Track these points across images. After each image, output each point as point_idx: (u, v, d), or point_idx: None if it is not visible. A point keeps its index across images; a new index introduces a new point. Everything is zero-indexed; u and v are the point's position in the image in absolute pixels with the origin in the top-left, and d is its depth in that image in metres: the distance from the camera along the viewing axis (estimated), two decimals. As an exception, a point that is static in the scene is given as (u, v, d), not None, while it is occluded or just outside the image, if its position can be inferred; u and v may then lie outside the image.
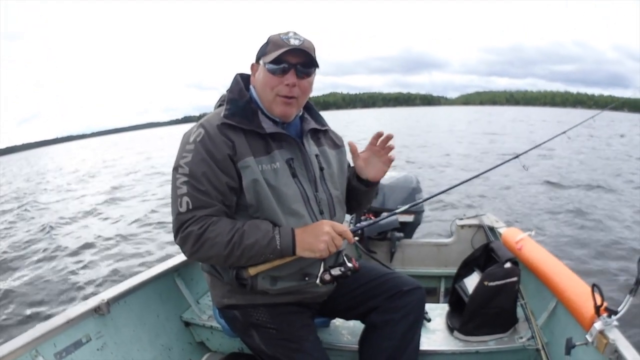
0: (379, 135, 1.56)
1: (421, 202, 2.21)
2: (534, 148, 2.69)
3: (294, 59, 1.44)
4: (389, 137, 1.55)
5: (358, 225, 1.49)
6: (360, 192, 1.70)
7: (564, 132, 3.12)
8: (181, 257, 2.31)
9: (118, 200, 11.11)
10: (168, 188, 1.43)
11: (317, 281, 1.50)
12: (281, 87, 1.46)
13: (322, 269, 1.51)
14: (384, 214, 2.18)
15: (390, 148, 1.57)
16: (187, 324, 2.29)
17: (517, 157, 2.47)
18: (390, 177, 3.15)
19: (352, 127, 36.93)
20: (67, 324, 1.69)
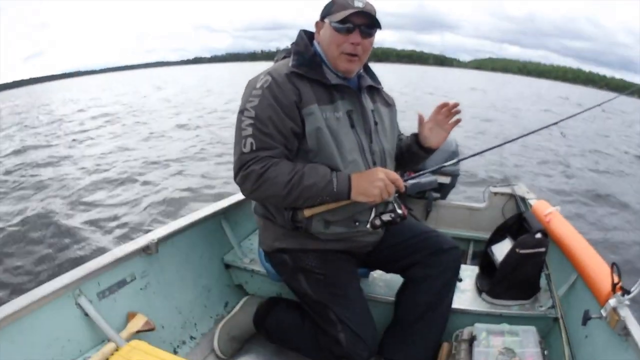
0: (444, 105, 1.68)
1: (461, 159, 2.27)
2: (572, 116, 2.69)
3: (359, 20, 1.52)
4: (455, 105, 1.67)
5: (406, 178, 1.60)
6: (419, 156, 1.82)
7: (599, 105, 3.10)
8: (229, 201, 2.38)
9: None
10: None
11: (368, 226, 1.57)
12: (346, 45, 1.54)
13: (373, 215, 1.58)
14: (426, 170, 2.28)
15: (457, 112, 1.69)
16: (227, 266, 2.37)
17: (556, 123, 2.49)
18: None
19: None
20: (114, 263, 1.73)
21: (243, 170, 1.47)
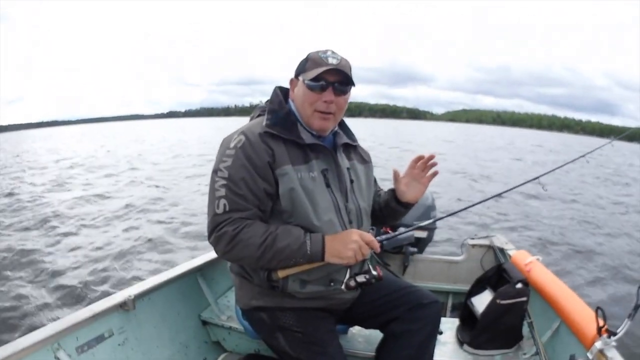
0: (419, 158, 1.67)
1: (442, 218, 2.29)
2: (554, 170, 2.73)
3: (332, 77, 1.53)
4: (431, 158, 1.66)
5: (378, 237, 1.58)
6: (398, 212, 1.80)
7: (583, 156, 3.14)
8: (204, 258, 2.37)
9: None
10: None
11: (342, 287, 1.55)
12: (319, 104, 1.54)
13: (347, 276, 1.56)
14: (401, 229, 2.27)
15: (433, 165, 1.68)
16: (204, 323, 2.33)
17: (537, 178, 2.51)
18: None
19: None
20: (92, 318, 1.72)
21: (216, 231, 1.46)
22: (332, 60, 1.53)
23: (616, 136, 3.54)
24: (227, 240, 1.44)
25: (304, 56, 1.61)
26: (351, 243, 1.46)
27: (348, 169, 1.71)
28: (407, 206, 1.78)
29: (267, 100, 1.69)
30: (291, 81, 1.66)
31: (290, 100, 1.68)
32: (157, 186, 11.70)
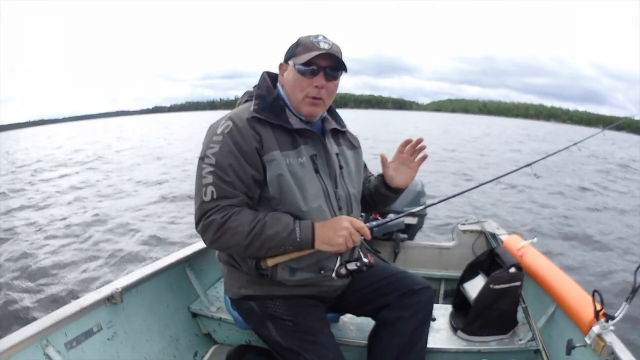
0: (407, 142, 1.64)
1: (433, 204, 2.24)
2: (546, 157, 2.71)
3: (324, 62, 1.49)
4: (419, 141, 1.63)
5: (368, 224, 1.54)
6: (388, 197, 1.77)
7: (575, 144, 3.13)
8: (192, 248, 2.34)
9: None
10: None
11: (333, 275, 1.52)
12: (310, 89, 1.51)
13: (338, 263, 1.53)
14: (391, 215, 2.24)
15: (422, 149, 1.64)
16: (194, 315, 2.31)
17: (529, 165, 2.48)
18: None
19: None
20: (80, 312, 1.69)
21: (204, 219, 1.43)
22: (324, 45, 1.50)
23: (605, 126, 3.52)
24: (215, 228, 1.41)
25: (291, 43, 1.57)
26: (341, 230, 1.43)
27: (337, 154, 1.68)
28: (397, 191, 1.74)
29: (255, 86, 1.65)
30: (280, 66, 1.62)
31: (278, 85, 1.64)
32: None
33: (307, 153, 1.55)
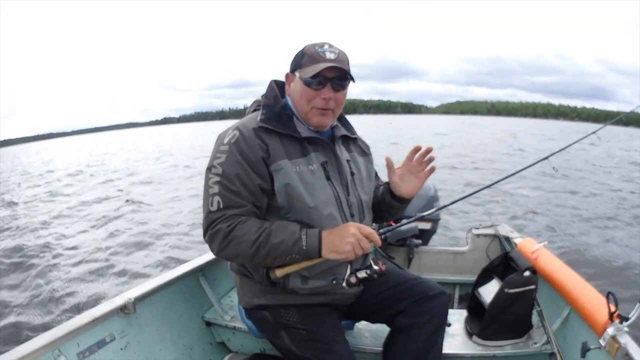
0: (417, 150, 1.60)
1: (441, 208, 2.20)
2: (563, 149, 2.61)
3: (331, 73, 1.48)
4: (429, 151, 1.59)
5: (381, 230, 1.52)
6: (394, 207, 1.74)
7: (594, 132, 2.98)
8: (205, 258, 2.35)
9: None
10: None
11: (344, 284, 1.50)
12: (317, 100, 1.50)
13: (348, 271, 1.50)
14: (404, 220, 2.23)
15: (430, 160, 1.60)
16: (208, 324, 2.31)
17: (546, 158, 2.37)
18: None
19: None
20: (92, 322, 1.69)
21: (211, 229, 1.44)
22: (330, 55, 1.49)
23: (609, 121, 3.46)
24: (221, 237, 1.41)
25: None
26: (349, 237, 1.40)
27: (348, 161, 1.67)
28: (402, 201, 1.71)
29: (263, 95, 1.65)
30: (287, 76, 1.62)
31: (286, 95, 1.64)
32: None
33: (318, 160, 1.55)
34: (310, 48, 1.53)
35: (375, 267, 1.50)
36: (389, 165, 1.66)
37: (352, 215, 1.59)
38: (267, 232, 1.41)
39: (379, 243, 1.47)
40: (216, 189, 1.44)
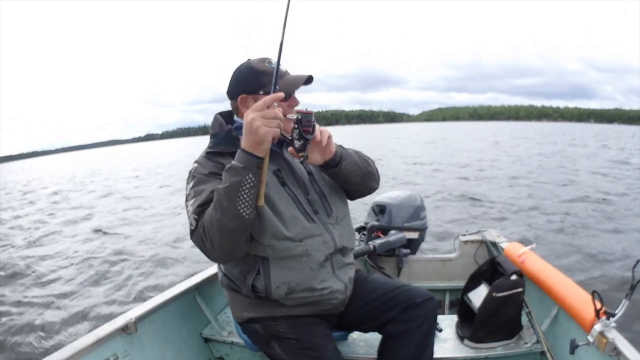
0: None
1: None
2: None
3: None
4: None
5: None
6: (334, 176, 1.71)
7: None
8: (201, 276, 2.40)
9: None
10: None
11: (300, 158, 1.49)
12: (289, 110, 1.54)
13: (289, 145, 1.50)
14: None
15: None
16: (206, 340, 2.34)
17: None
18: (396, 196, 3.28)
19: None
20: (96, 343, 1.72)
21: (195, 241, 1.48)
22: (283, 68, 1.56)
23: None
24: (200, 235, 1.43)
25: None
26: (253, 123, 1.34)
27: (301, 162, 1.70)
28: (327, 167, 1.66)
29: (211, 128, 1.74)
30: (242, 99, 1.64)
31: (237, 119, 1.70)
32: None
33: (269, 170, 1.55)
34: (260, 65, 1.59)
35: (298, 115, 1.46)
36: (291, 152, 1.58)
37: (315, 212, 1.65)
38: (216, 192, 1.40)
39: (280, 97, 1.38)
40: (192, 209, 1.48)
